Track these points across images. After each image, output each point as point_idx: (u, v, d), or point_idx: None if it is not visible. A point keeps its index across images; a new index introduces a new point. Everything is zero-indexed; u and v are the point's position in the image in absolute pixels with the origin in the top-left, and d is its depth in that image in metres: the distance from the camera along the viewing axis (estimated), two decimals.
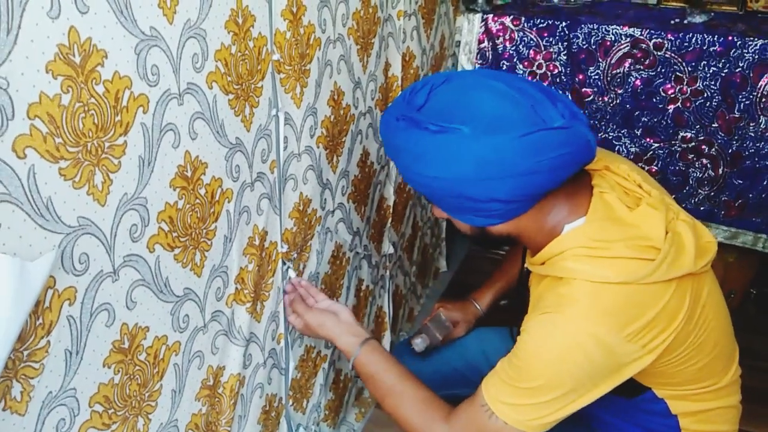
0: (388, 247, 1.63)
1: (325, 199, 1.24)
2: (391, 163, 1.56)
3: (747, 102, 1.59)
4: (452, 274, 2.30)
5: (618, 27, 1.65)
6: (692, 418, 0.97)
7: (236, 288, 0.99)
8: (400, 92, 1.48)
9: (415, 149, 0.86)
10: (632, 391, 0.94)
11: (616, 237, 0.85)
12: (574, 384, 0.85)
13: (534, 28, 1.74)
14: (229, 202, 0.92)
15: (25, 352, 0.62)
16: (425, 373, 1.31)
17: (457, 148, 0.82)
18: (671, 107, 1.67)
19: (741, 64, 1.56)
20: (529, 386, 0.86)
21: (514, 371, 0.88)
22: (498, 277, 1.35)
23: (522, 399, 0.87)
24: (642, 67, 1.66)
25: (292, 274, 1.16)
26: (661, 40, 1.62)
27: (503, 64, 1.81)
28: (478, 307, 1.32)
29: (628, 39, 1.65)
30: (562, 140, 0.82)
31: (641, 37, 1.63)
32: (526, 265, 1.00)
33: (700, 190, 1.74)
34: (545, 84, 1.76)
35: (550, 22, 1.72)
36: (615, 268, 0.83)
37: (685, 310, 0.85)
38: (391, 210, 1.61)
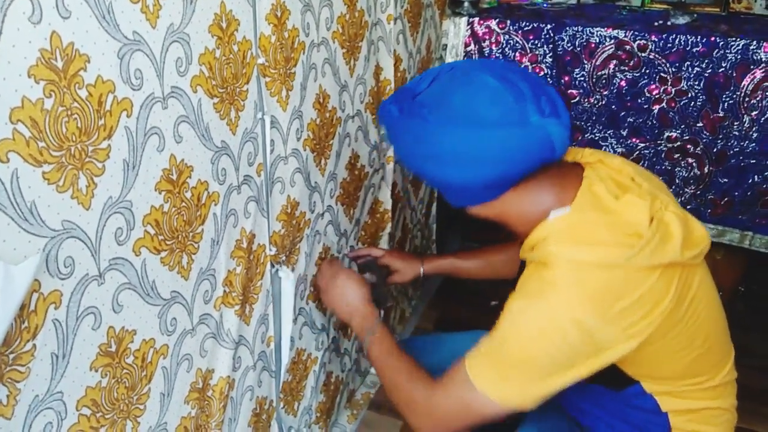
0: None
1: (314, 202, 1.25)
2: (387, 167, 1.57)
3: (731, 101, 1.61)
4: (443, 277, 2.31)
5: (602, 29, 1.67)
6: (683, 417, 0.98)
7: (224, 291, 0.99)
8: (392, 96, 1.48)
9: (390, 127, 0.99)
10: (619, 382, 0.95)
11: (600, 222, 0.88)
12: (552, 364, 0.87)
13: (519, 31, 1.76)
14: (215, 205, 0.92)
15: (11, 356, 0.63)
16: None
17: (420, 131, 0.92)
18: (656, 107, 1.69)
19: (724, 64, 1.58)
20: (509, 363, 0.89)
21: (495, 348, 0.91)
22: (462, 255, 1.38)
23: (501, 374, 0.90)
24: (627, 69, 1.68)
25: (282, 275, 1.16)
26: (645, 42, 1.64)
27: None
28: (422, 268, 1.38)
29: (613, 41, 1.66)
30: (523, 138, 0.87)
31: (625, 39, 1.65)
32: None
33: (686, 189, 1.76)
34: None
35: (536, 25, 1.74)
36: (597, 252, 0.85)
37: (670, 298, 0.86)
38: (389, 215, 1.61)
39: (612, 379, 0.91)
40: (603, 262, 0.85)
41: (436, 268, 1.40)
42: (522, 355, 0.88)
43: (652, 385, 0.96)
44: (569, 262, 0.86)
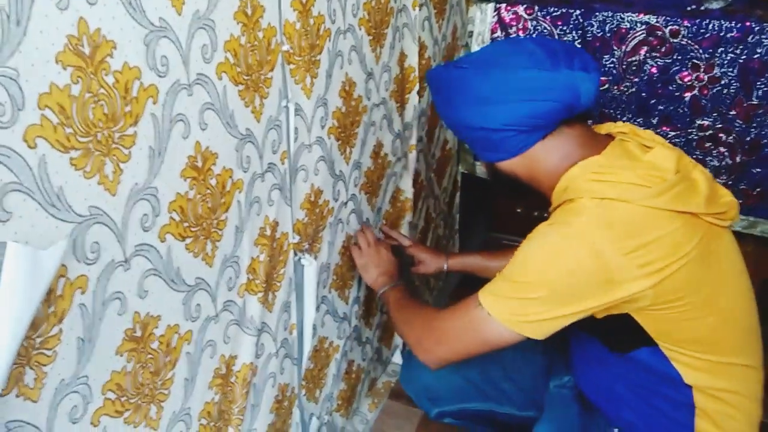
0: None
1: (339, 191, 1.24)
2: (410, 155, 1.55)
3: (765, 89, 1.56)
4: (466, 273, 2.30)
5: (633, 14, 1.63)
6: (709, 396, 0.94)
7: (248, 278, 1.00)
8: (417, 83, 1.47)
9: (434, 86, 1.07)
10: (638, 340, 0.94)
11: (627, 167, 0.91)
12: (566, 292, 0.89)
13: (548, 17, 1.72)
14: (239, 192, 0.92)
15: (38, 340, 0.63)
16: (436, 387, 1.31)
17: (457, 79, 1.00)
18: (688, 95, 1.64)
19: (759, 50, 1.53)
20: (517, 280, 0.92)
21: (509, 268, 0.94)
22: (488, 255, 1.39)
23: (508, 292, 0.93)
24: (658, 55, 1.63)
25: (305, 263, 1.16)
26: (677, 27, 1.59)
27: None
28: (446, 265, 1.39)
29: (644, 26, 1.62)
30: (540, 79, 0.94)
31: (657, 24, 1.61)
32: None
33: (717, 179, 1.70)
34: None
35: (564, 11, 1.70)
36: (620, 189, 0.89)
37: (693, 247, 0.87)
38: (411, 203, 1.60)
39: (629, 335, 0.92)
40: (626, 197, 0.87)
41: (461, 265, 1.40)
42: (537, 278, 0.90)
43: (672, 348, 0.94)
44: (593, 196, 0.90)
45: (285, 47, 0.96)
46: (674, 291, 0.87)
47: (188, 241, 0.84)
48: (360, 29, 1.18)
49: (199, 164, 0.82)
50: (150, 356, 0.81)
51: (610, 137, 1.01)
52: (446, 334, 1.00)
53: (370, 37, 1.23)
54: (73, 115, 0.62)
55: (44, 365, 0.65)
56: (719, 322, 0.92)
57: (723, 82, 1.60)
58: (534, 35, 1.75)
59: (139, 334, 0.78)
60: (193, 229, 0.84)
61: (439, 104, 1.08)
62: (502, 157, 1.02)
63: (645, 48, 1.64)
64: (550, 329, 0.91)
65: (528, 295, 0.90)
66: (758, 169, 1.66)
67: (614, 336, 0.98)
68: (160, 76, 0.72)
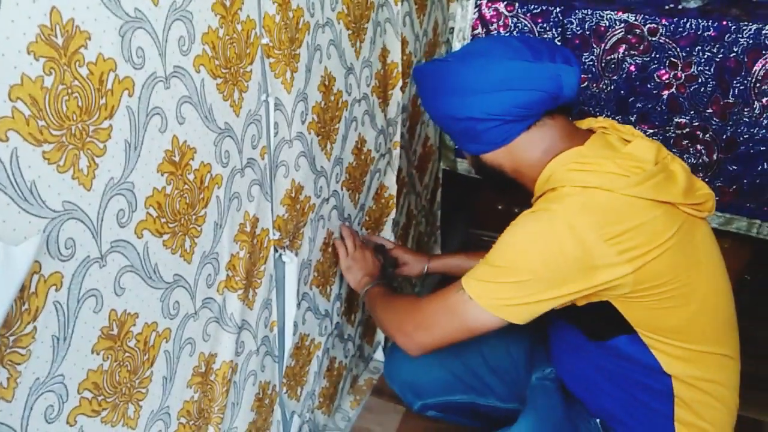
0: (389, 237, 1.63)
1: (320, 187, 1.23)
2: (393, 152, 1.55)
3: (741, 87, 1.58)
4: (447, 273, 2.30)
5: (612, 12, 1.64)
6: (688, 385, 0.96)
7: (227, 275, 0.98)
8: (400, 79, 1.47)
9: (419, 80, 1.09)
10: (615, 327, 0.95)
11: (609, 157, 0.93)
12: (542, 272, 0.89)
13: (528, 14, 1.73)
14: (218, 188, 0.91)
15: (11, 338, 0.62)
16: (419, 380, 1.32)
17: (443, 71, 1.02)
18: (666, 93, 1.66)
19: (735, 49, 1.55)
20: (499, 265, 0.93)
21: (491, 253, 0.95)
22: (469, 255, 1.39)
23: (489, 276, 0.94)
24: (636, 53, 1.65)
25: (286, 259, 1.15)
26: (655, 26, 1.61)
27: None
28: (426, 267, 1.40)
29: (623, 24, 1.63)
30: (525, 69, 0.95)
31: (635, 23, 1.62)
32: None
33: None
34: None
35: (544, 8, 1.71)
36: (601, 178, 0.91)
37: (672, 235, 0.89)
38: (394, 200, 1.60)
39: (610, 326, 0.94)
40: (607, 186, 0.89)
41: (443, 266, 1.41)
42: (519, 263, 0.91)
43: (651, 336, 0.95)
44: (575, 184, 0.92)
45: (264, 40, 0.95)
46: (654, 278, 0.89)
47: (166, 237, 0.82)
48: (338, 23, 1.17)
49: (177, 159, 0.81)
50: (127, 354, 0.80)
51: (590, 131, 1.03)
52: (427, 319, 1.01)
53: (349, 32, 1.22)
54: (46, 107, 0.60)
55: (18, 364, 0.63)
56: (698, 310, 0.93)
57: (700, 80, 1.61)
58: (515, 33, 1.76)
59: (115, 332, 0.77)
60: (170, 225, 0.82)
61: (424, 98, 1.10)
62: (486, 148, 1.03)
63: (624, 46, 1.65)
64: (531, 314, 0.92)
65: (510, 279, 0.91)
66: (734, 167, 1.68)
67: (593, 324, 0.99)
68: (135, 68, 0.70)
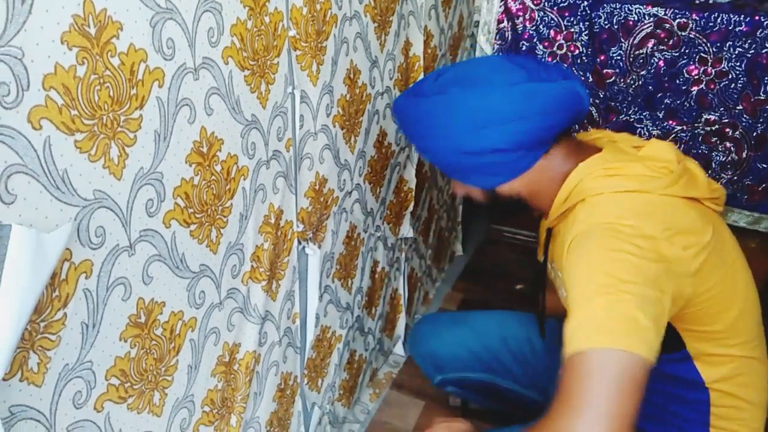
0: (408, 230, 1.63)
1: (344, 180, 1.23)
2: (413, 146, 1.55)
3: None
4: (468, 259, 2.29)
5: (641, 6, 1.61)
6: (724, 393, 0.92)
7: (252, 266, 0.99)
8: (422, 72, 1.46)
9: (416, 115, 0.97)
10: (664, 345, 0.81)
11: (630, 160, 0.91)
12: (639, 283, 0.76)
13: (555, 8, 1.71)
14: (244, 179, 0.91)
15: (42, 324, 0.63)
16: (441, 354, 1.33)
17: (450, 104, 0.93)
18: (695, 89, 1.63)
19: (767, 45, 1.52)
20: (594, 294, 0.77)
21: (576, 299, 0.79)
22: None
23: (594, 312, 0.76)
24: (665, 48, 1.62)
25: (309, 252, 1.16)
26: (685, 20, 1.58)
27: (523, 44, 1.78)
28: None
29: (652, 19, 1.61)
30: (549, 90, 0.90)
31: (665, 17, 1.59)
32: (546, 224, 1.01)
33: (723, 174, 1.70)
34: (565, 65, 1.74)
35: (572, 2, 1.68)
36: (636, 181, 0.87)
37: (711, 232, 0.86)
38: (413, 193, 1.60)
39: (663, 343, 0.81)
40: (645, 188, 0.86)
41: None
42: (604, 279, 0.77)
43: (697, 344, 0.89)
44: (613, 191, 0.87)
45: (291, 33, 0.95)
46: (707, 279, 0.85)
47: (193, 227, 0.83)
48: (365, 16, 1.17)
49: (205, 150, 0.81)
50: (154, 342, 0.81)
51: (594, 146, 1.00)
52: (599, 418, 0.72)
53: (375, 24, 1.22)
54: (78, 96, 0.61)
55: (48, 350, 0.64)
56: (741, 311, 0.91)
57: (730, 76, 1.58)
58: (541, 27, 1.74)
59: (143, 320, 0.77)
60: (197, 216, 0.83)
61: (417, 136, 1.00)
62: (504, 179, 0.97)
63: (652, 41, 1.63)
64: (657, 333, 0.77)
65: (620, 310, 0.75)
66: (764, 165, 1.65)
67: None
68: (165, 59, 0.71)
